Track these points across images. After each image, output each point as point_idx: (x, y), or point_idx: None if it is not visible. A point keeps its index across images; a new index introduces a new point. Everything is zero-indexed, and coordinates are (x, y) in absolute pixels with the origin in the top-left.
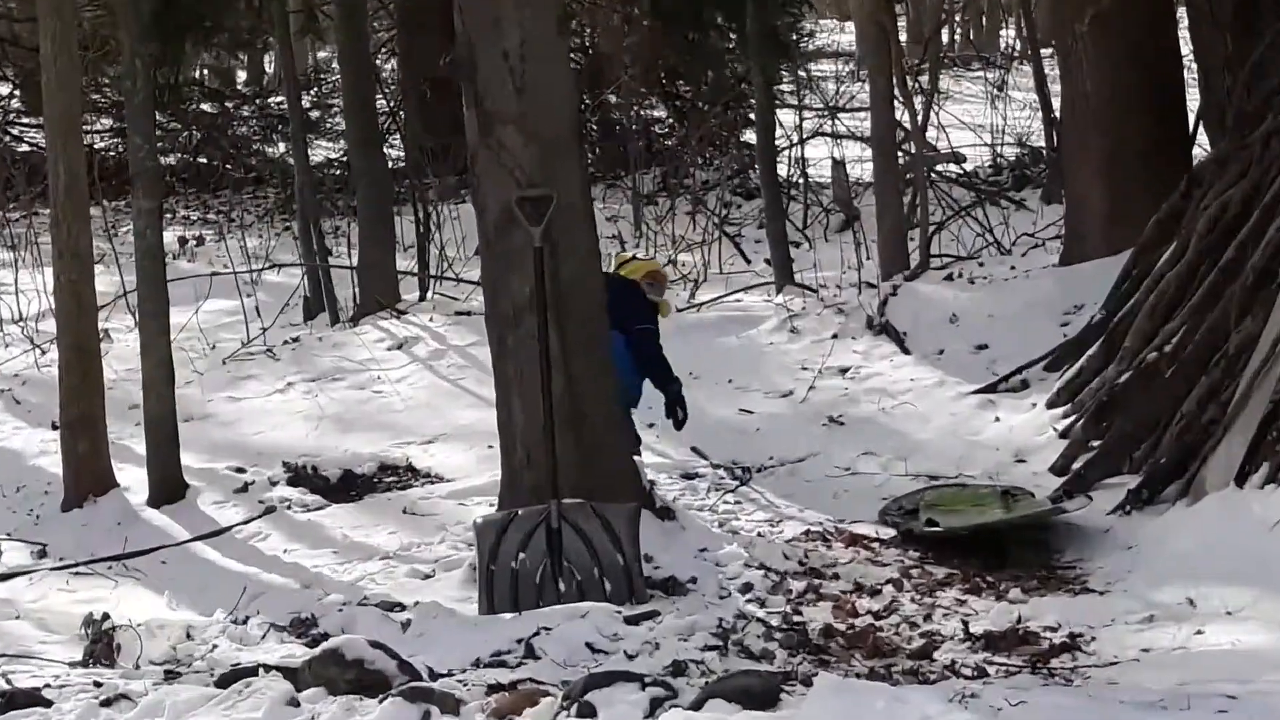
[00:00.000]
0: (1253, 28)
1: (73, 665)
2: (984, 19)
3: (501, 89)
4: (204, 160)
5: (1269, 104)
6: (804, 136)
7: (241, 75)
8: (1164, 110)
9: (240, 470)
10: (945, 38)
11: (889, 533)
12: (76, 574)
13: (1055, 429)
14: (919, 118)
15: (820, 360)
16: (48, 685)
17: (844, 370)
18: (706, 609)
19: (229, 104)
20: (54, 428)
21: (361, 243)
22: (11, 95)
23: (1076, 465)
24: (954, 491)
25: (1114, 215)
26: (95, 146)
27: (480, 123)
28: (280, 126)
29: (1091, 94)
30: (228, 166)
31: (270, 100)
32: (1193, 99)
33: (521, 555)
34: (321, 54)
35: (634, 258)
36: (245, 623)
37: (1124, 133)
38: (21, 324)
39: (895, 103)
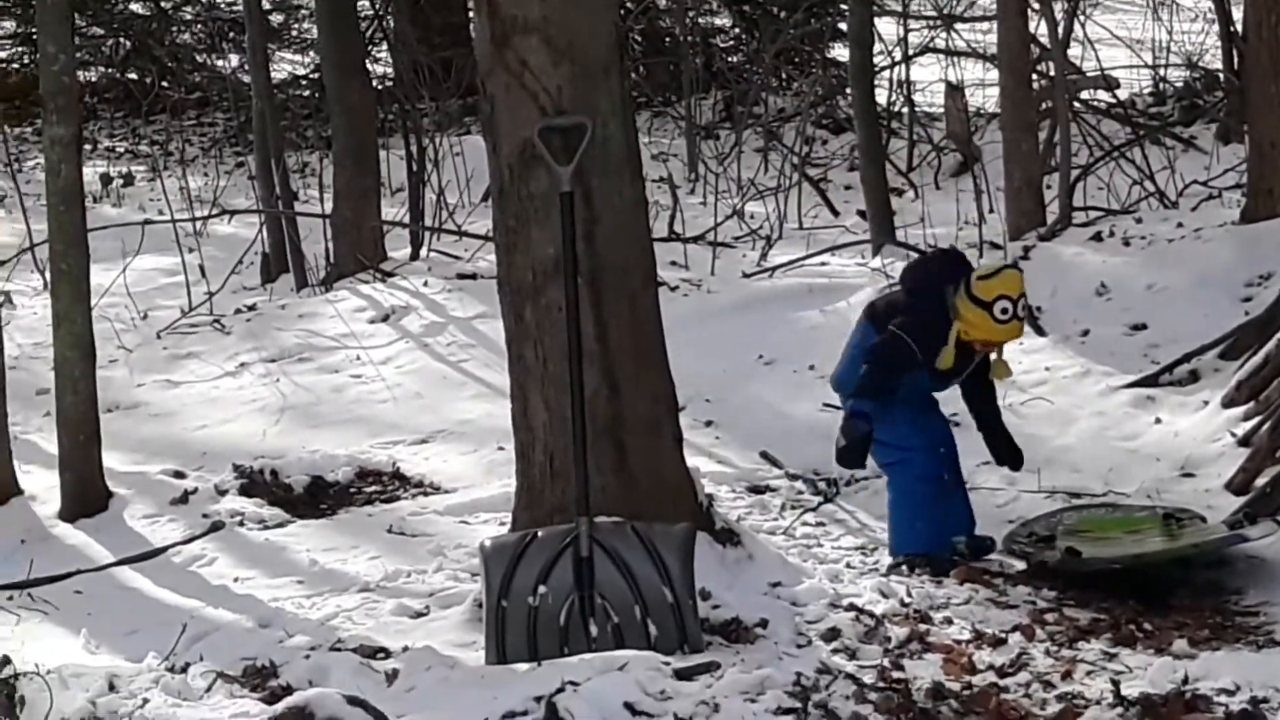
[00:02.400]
0: None
1: None
2: None
3: None
4: (134, 76)
5: None
6: (910, 53)
7: None
8: None
9: (179, 475)
10: None
11: (1017, 565)
12: None
13: (1233, 434)
14: (1059, 30)
15: None
16: None
17: None
18: (780, 660)
19: (167, 4)
20: None
21: (337, 185)
22: None
23: (1261, 481)
24: (1102, 514)
25: None
26: None
27: (494, 31)
28: (233, 34)
29: None
30: (164, 84)
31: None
32: None
33: (541, 589)
34: None
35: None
36: (185, 671)
37: None
38: None
39: (1029, 10)
